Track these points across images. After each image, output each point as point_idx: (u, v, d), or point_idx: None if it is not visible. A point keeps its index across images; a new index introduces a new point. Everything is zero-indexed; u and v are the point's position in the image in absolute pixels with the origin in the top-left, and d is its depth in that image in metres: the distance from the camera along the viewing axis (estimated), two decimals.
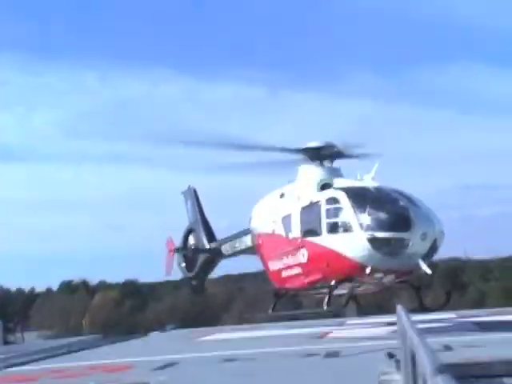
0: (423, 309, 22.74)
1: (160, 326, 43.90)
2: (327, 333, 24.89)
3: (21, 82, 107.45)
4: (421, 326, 19.64)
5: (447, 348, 15.84)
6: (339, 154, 25.20)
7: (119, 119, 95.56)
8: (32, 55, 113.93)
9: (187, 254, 33.74)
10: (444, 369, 3.19)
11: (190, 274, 33.78)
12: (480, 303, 47.61)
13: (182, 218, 36.09)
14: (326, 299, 22.07)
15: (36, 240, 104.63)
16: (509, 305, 50.43)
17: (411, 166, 25.99)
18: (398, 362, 12.64)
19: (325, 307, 22.09)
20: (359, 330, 24.90)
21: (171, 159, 36.13)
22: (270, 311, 25.19)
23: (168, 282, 68.45)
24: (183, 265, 33.77)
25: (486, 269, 63.54)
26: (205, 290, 37.50)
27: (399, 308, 7.46)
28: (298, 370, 15.11)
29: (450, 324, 23.76)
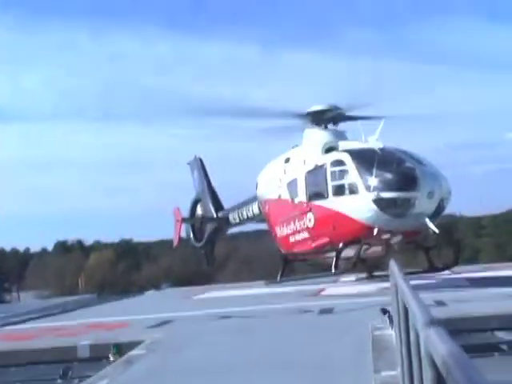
0: (434, 269, 22.63)
1: (155, 285, 44.24)
2: (321, 290, 25.08)
3: (11, 40, 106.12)
4: (414, 282, 19.81)
5: (440, 303, 16.00)
6: (344, 117, 24.96)
7: (111, 79, 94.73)
8: (23, 14, 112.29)
9: (195, 223, 33.74)
10: (436, 321, 3.20)
11: (199, 244, 33.81)
12: (473, 259, 47.98)
13: (178, 179, 36.09)
14: (334, 262, 22.03)
15: (30, 200, 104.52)
16: (501, 260, 50.93)
17: (408, 125, 25.69)
18: (391, 317, 12.81)
19: (333, 270, 22.07)
20: (354, 287, 25.08)
21: (168, 122, 35.50)
22: (278, 277, 24.95)
23: (163, 241, 68.68)
24: (191, 235, 33.79)
25: (479, 225, 63.98)
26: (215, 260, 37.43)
27: (392, 263, 7.50)
28: (292, 327, 15.25)
29: (444, 280, 23.93)
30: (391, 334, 12.11)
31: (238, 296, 27.10)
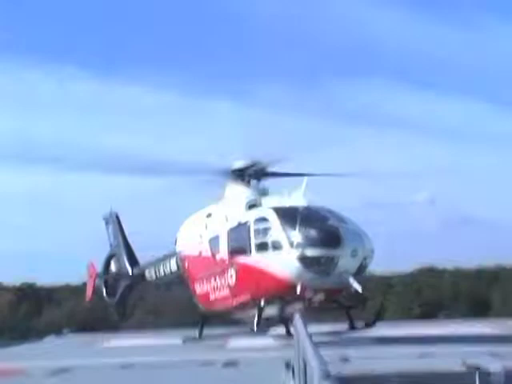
0: (353, 328, 22.22)
1: (57, 331, 42.72)
2: (227, 341, 24.79)
3: None
4: (319, 337, 19.82)
5: (344, 359, 16.02)
6: (266, 173, 24.96)
7: (25, 119, 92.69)
8: None
9: (108, 280, 32.78)
10: (331, 376, 3.12)
11: (111, 300, 32.94)
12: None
13: (85, 220, 35.33)
14: (256, 319, 21.57)
15: None
16: (406, 319, 51.86)
17: (326, 181, 25.79)
18: (294, 371, 12.74)
19: (255, 328, 21.60)
20: (260, 340, 24.88)
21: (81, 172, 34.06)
22: (197, 334, 24.21)
23: (67, 286, 66.80)
24: (104, 291, 32.76)
25: (388, 285, 65.19)
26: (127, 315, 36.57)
27: (296, 318, 7.43)
28: (196, 380, 14.93)
29: (349, 336, 24.03)
30: None
31: (143, 346, 26.48)
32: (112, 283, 32.65)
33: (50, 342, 33.16)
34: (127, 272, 31.99)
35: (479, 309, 57.98)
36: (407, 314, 58.88)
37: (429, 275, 68.67)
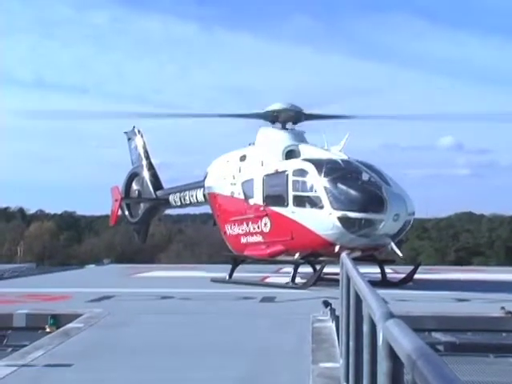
0: (386, 283, 21.26)
1: (96, 260, 43.72)
2: (265, 278, 25.15)
3: None
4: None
5: None
6: (303, 116, 24.33)
7: (46, 45, 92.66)
8: None
9: (131, 202, 31.98)
10: (394, 315, 3.18)
11: (133, 220, 32.25)
12: (413, 260, 48.78)
13: (124, 155, 34.39)
14: (292, 275, 21.38)
15: None
16: (439, 263, 51.89)
17: (350, 125, 25.15)
18: (332, 310, 12.91)
19: (290, 283, 21.25)
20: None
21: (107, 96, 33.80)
22: (227, 276, 23.54)
23: (107, 217, 68.00)
24: (126, 212, 32.09)
25: (423, 228, 65.10)
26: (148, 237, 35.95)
27: (344, 256, 7.51)
28: (233, 312, 15.24)
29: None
30: (331, 326, 12.22)
31: (180, 277, 26.99)
32: (134, 205, 31.97)
33: (91, 270, 33.96)
34: (150, 193, 31.10)
35: None
36: (441, 260, 58.90)
37: (466, 220, 68.34)
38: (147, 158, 32.31)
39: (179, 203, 29.15)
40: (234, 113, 25.57)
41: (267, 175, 22.99)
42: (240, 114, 25.12)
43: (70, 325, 12.77)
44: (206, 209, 29.07)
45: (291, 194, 21.83)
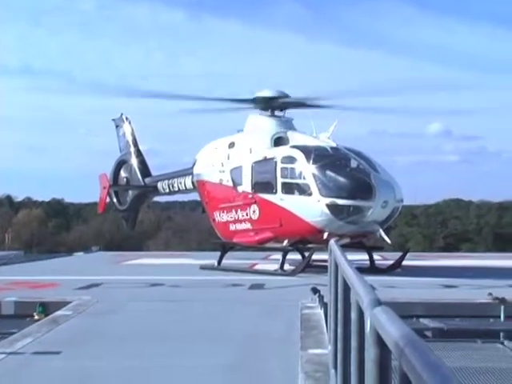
0: (375, 270, 21.39)
1: (84, 248, 43.63)
2: (254, 265, 25.20)
3: None
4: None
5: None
6: (290, 104, 24.31)
7: (34, 34, 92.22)
8: None
9: (119, 189, 31.93)
10: (381, 302, 3.18)
11: (122, 207, 32.23)
12: (401, 246, 48.98)
13: (112, 143, 34.10)
14: (280, 262, 21.50)
15: None
16: (427, 250, 52.12)
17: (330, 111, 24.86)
18: (321, 297, 12.94)
19: (278, 270, 21.37)
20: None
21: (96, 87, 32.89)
22: (215, 264, 23.60)
23: (95, 204, 67.56)
24: (114, 199, 32.03)
25: (411, 215, 65.30)
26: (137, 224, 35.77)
27: (332, 243, 7.51)
28: (222, 299, 15.26)
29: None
30: (319, 313, 12.26)
31: (168, 265, 26.99)
32: (122, 192, 31.94)
33: (80, 257, 33.90)
34: (138, 180, 31.06)
35: (502, 242, 58.02)
36: (430, 247, 59.14)
37: (455, 207, 68.60)
38: (135, 145, 32.19)
39: (168, 190, 29.06)
40: (223, 97, 25.49)
41: (256, 162, 22.98)
42: (228, 99, 25.04)
43: (58, 312, 12.76)
44: (195, 196, 29.09)
45: (280, 181, 21.84)
